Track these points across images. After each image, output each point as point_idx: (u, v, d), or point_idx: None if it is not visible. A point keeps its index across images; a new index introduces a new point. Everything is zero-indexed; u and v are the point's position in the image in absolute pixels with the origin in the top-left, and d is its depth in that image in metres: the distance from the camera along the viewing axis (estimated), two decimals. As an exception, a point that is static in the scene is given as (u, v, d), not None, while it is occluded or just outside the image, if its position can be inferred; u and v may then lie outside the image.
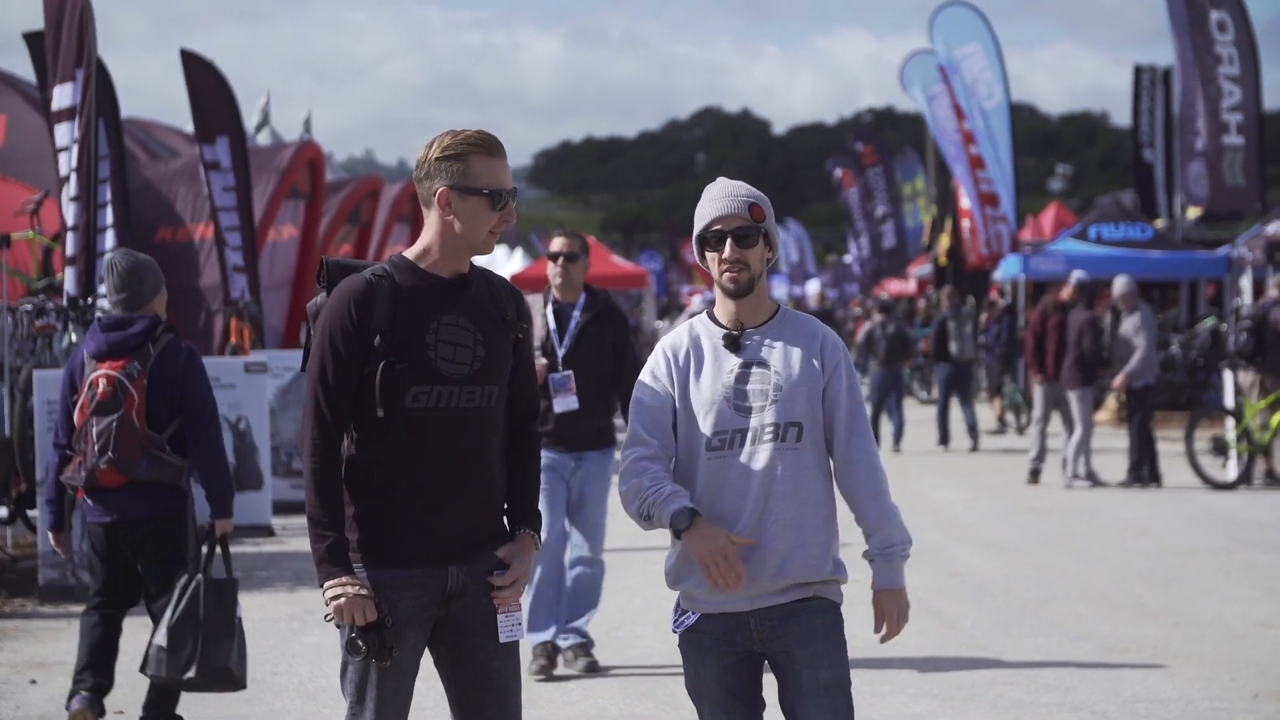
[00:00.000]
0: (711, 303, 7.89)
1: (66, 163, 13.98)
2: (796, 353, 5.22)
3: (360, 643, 5.00)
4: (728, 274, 5.21)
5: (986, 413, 30.15)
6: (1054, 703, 9.02)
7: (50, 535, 8.36)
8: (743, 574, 5.09)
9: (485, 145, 5.11)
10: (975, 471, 21.38)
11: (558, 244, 10.00)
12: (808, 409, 5.19)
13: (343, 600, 4.98)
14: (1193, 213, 31.02)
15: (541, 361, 9.64)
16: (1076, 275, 20.44)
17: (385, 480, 5.08)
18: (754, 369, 5.21)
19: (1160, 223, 33.21)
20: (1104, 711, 8.81)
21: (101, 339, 8.13)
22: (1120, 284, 19.79)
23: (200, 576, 7.99)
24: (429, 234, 5.16)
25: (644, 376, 5.32)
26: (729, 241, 5.20)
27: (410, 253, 5.20)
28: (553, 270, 9.99)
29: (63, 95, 13.98)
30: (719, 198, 5.25)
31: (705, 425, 5.19)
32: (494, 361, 5.14)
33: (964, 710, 8.87)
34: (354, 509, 5.13)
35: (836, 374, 5.23)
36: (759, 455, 5.16)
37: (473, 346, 5.11)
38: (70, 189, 13.92)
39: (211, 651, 7.87)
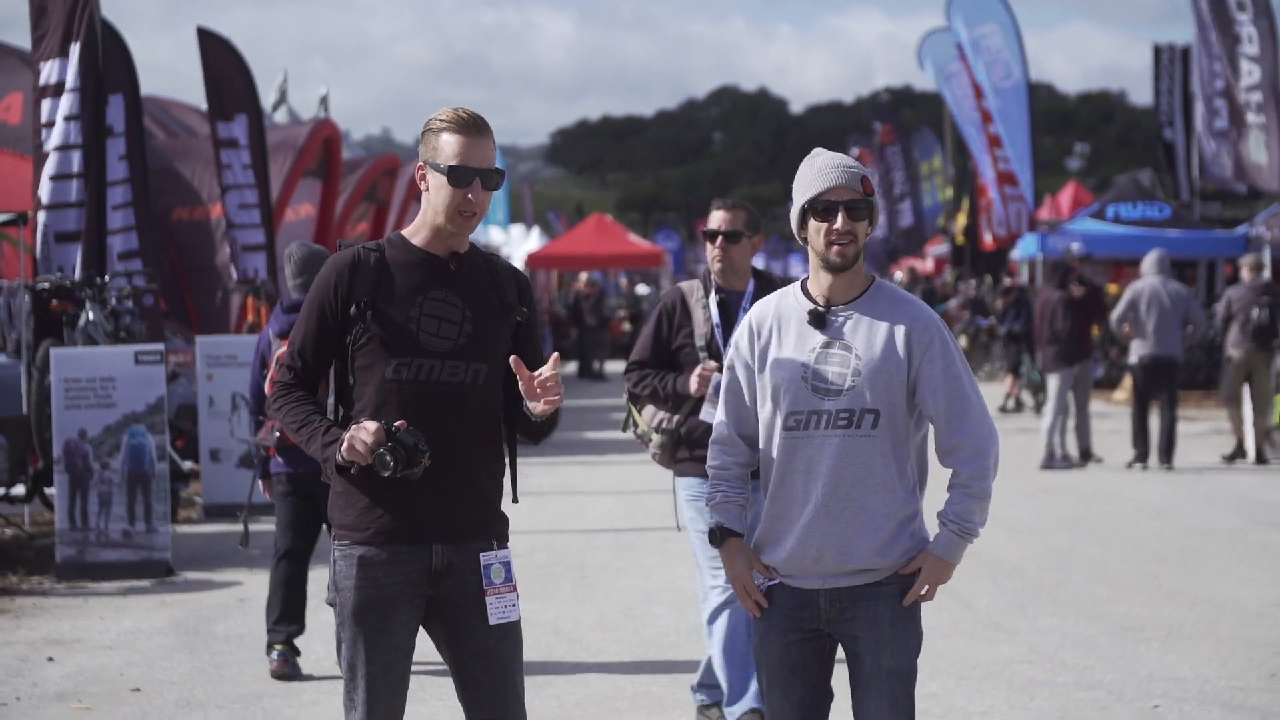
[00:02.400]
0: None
1: (53, 138, 13.94)
2: (882, 334, 5.10)
3: (388, 458, 4.94)
4: (836, 247, 5.10)
5: (997, 389, 30.10)
6: (1070, 682, 9.02)
7: (261, 484, 9.59)
8: (762, 601, 5.22)
9: (457, 122, 5.09)
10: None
11: (716, 219, 8.01)
12: (887, 395, 5.08)
13: (346, 443, 4.96)
14: (1203, 191, 30.97)
15: (710, 364, 7.78)
16: (1075, 248, 20.38)
17: None
18: (835, 349, 5.11)
19: (1185, 199, 33.14)
20: (1120, 691, 8.81)
21: (284, 319, 9.33)
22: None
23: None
24: (421, 210, 5.22)
25: (730, 349, 5.32)
26: (841, 213, 5.09)
27: (407, 230, 5.25)
28: (710, 252, 8.03)
29: (51, 70, 13.94)
30: (830, 168, 5.12)
31: (783, 403, 5.15)
32: (482, 340, 5.13)
33: (980, 689, 8.87)
34: (338, 486, 5.17)
35: (929, 356, 5.09)
36: (831, 440, 5.09)
37: (459, 323, 5.11)
38: (54, 166, 13.88)
39: None
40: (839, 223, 5.09)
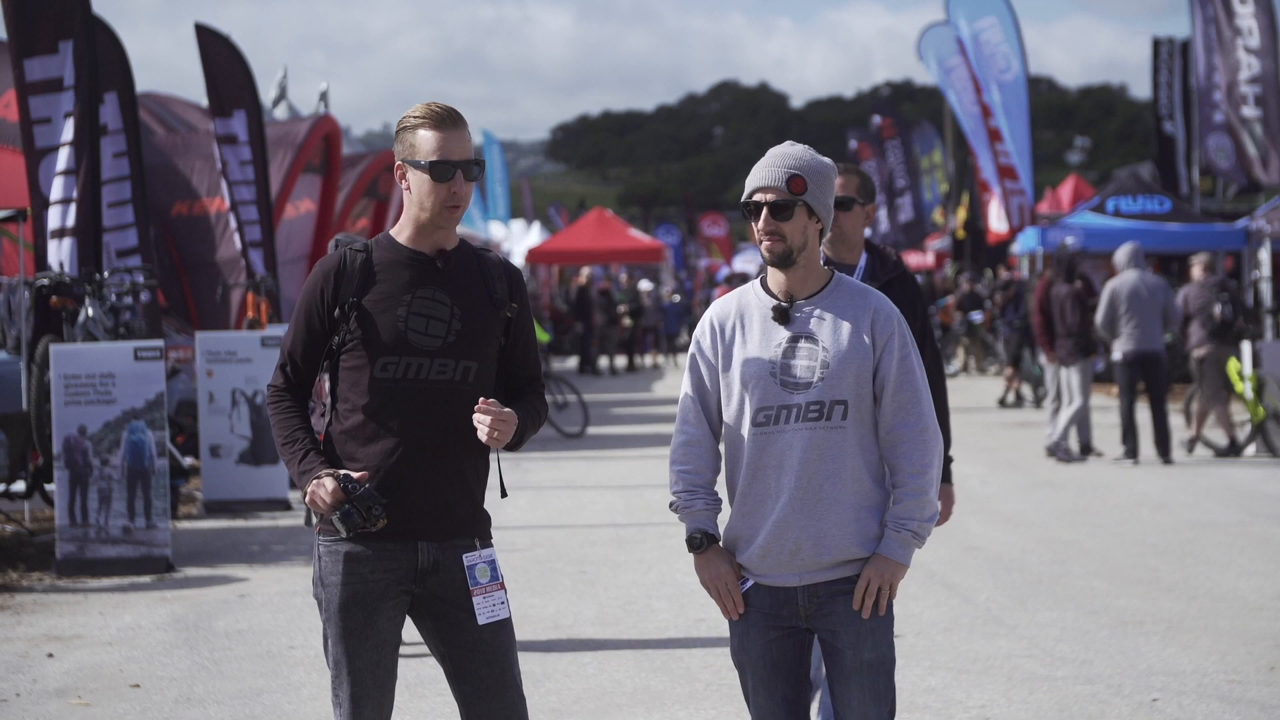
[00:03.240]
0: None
1: (49, 135, 13.87)
2: (847, 327, 5.15)
3: (341, 526, 5.03)
4: (765, 243, 5.17)
5: (997, 384, 30.14)
6: (1069, 676, 9.03)
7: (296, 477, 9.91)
8: (740, 604, 5.23)
9: (432, 118, 5.12)
10: (992, 445, 21.36)
11: None
12: (855, 386, 5.12)
13: (309, 493, 5.08)
14: (1205, 184, 30.94)
15: None
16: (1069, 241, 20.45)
17: (355, 452, 5.14)
18: (802, 343, 5.15)
19: (1185, 193, 33.11)
20: (1119, 684, 8.81)
21: None
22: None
23: None
24: (405, 209, 5.24)
25: (692, 347, 5.33)
26: (764, 212, 5.16)
27: (394, 229, 5.27)
28: None
29: (43, 67, 13.84)
30: (762, 166, 5.21)
31: (751, 400, 5.17)
32: (471, 337, 5.16)
33: (979, 683, 8.88)
34: None
35: (889, 348, 5.15)
36: (802, 433, 5.12)
37: (448, 320, 5.14)
38: (58, 162, 13.83)
39: None
40: (761, 222, 5.16)
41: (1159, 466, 18.70)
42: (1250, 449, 19.55)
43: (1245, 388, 19.39)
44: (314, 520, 10.13)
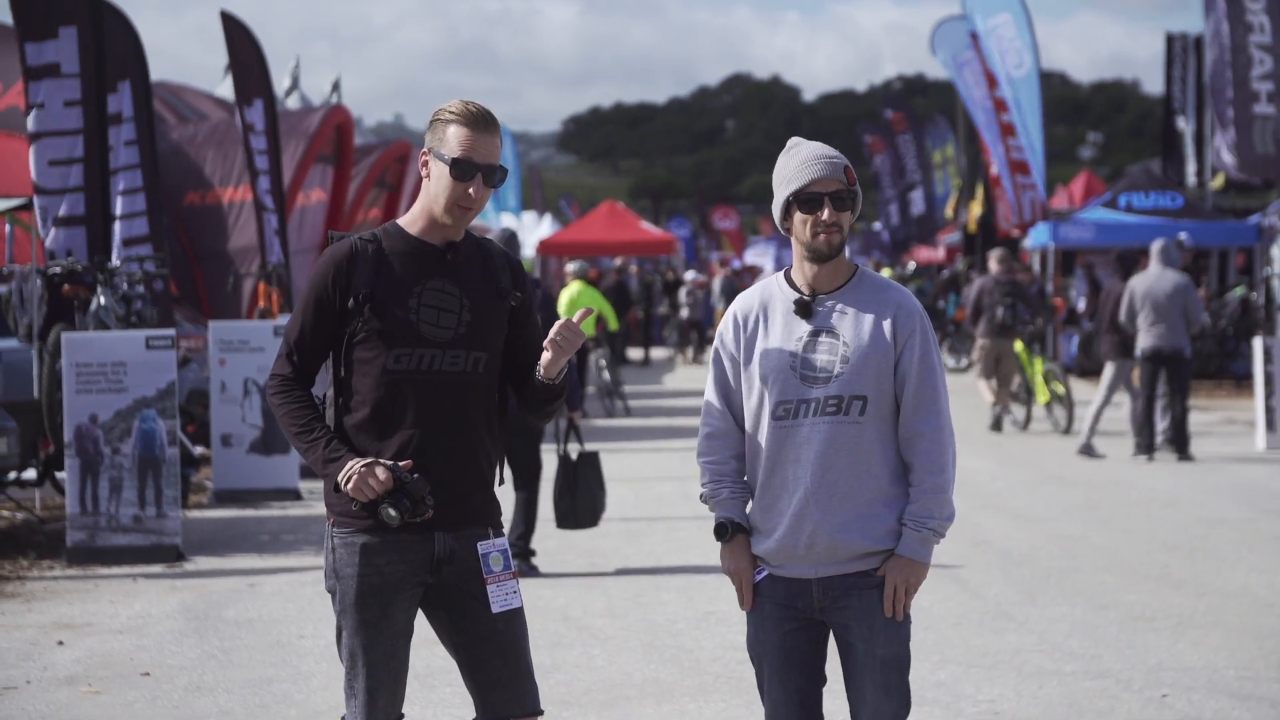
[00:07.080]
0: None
1: (49, 121, 13.77)
2: (868, 321, 5.15)
3: (392, 511, 4.99)
4: (824, 236, 5.15)
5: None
6: (1078, 671, 9.02)
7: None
8: (750, 600, 5.29)
9: (465, 116, 5.11)
10: (1002, 441, 21.34)
11: None
12: (875, 381, 5.13)
13: (354, 479, 5.01)
14: (1216, 182, 30.85)
15: None
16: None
17: (369, 444, 5.12)
18: (823, 337, 5.16)
19: (1191, 188, 33.05)
20: (1128, 680, 8.80)
21: None
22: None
23: (573, 452, 11.97)
24: (420, 199, 5.23)
25: (716, 341, 5.35)
26: (827, 205, 5.14)
27: (404, 219, 5.26)
28: None
29: (42, 52, 13.75)
30: (813, 160, 5.17)
31: (771, 393, 5.17)
32: (481, 328, 5.16)
33: (988, 678, 8.87)
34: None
35: (910, 344, 5.15)
36: (820, 427, 5.12)
37: (458, 312, 5.14)
38: (60, 150, 13.76)
39: (593, 503, 11.94)
40: (825, 214, 5.14)
41: (1170, 463, 18.67)
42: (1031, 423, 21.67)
43: (1037, 373, 21.98)
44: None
